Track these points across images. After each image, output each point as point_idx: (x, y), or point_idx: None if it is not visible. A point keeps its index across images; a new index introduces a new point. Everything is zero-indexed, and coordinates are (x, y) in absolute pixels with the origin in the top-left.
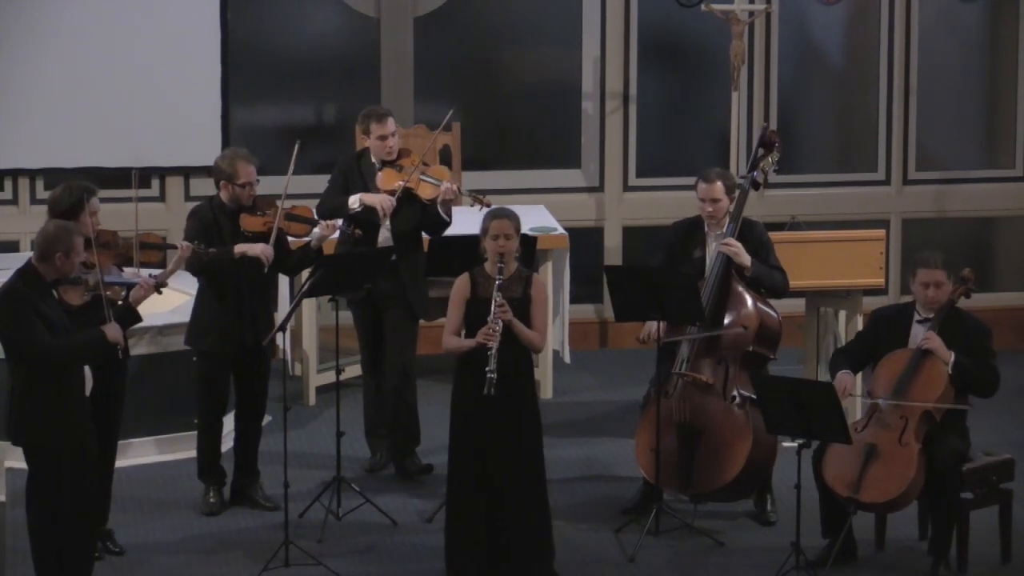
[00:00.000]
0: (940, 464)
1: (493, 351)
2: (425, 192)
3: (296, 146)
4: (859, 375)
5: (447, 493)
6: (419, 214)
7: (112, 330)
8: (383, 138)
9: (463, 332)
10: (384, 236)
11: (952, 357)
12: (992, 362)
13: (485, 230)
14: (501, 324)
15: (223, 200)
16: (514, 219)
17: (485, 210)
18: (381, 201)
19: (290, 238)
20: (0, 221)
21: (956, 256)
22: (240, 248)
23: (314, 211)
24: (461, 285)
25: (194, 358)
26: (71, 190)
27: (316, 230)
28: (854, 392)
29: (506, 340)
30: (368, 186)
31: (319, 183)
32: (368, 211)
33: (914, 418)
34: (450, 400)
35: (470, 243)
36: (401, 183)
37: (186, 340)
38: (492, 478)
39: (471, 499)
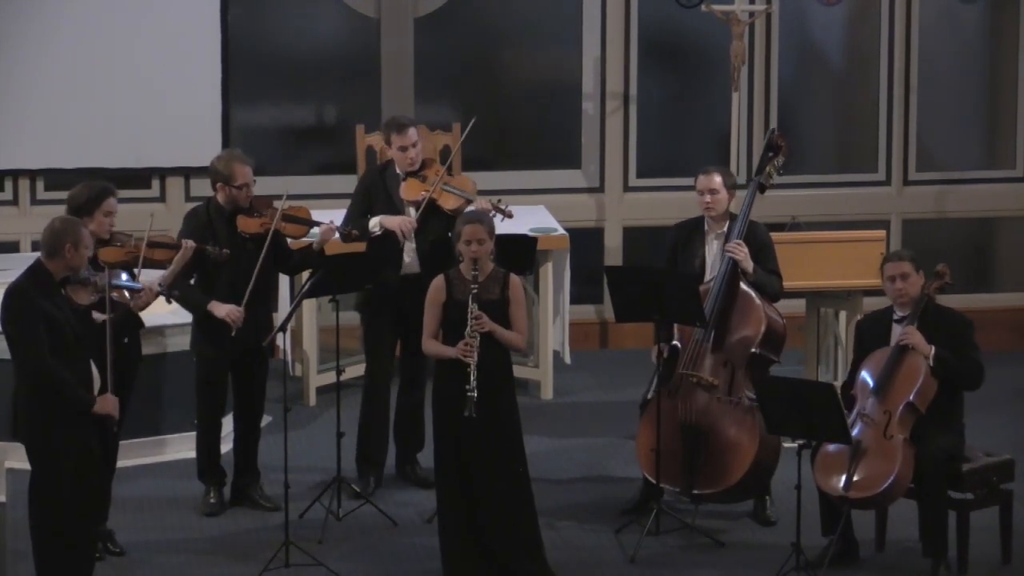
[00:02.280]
0: (926, 462)
1: (472, 368)
2: (448, 203)
3: (284, 199)
4: None
5: (436, 494)
6: (443, 226)
7: (105, 404)
8: (403, 149)
9: (440, 334)
10: (409, 254)
11: (932, 351)
12: (975, 355)
13: (458, 234)
14: (479, 337)
15: (220, 202)
16: (487, 223)
17: (505, 220)
18: (401, 225)
19: (289, 240)
20: (0, 221)
21: (956, 257)
22: (211, 306)
23: (312, 213)
24: (436, 288)
25: (194, 358)
26: (89, 188)
27: (315, 230)
28: None
29: (483, 341)
30: (392, 198)
31: (319, 184)
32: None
33: (897, 411)
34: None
35: None
36: (424, 193)
37: (191, 346)
38: (473, 478)
39: (457, 500)
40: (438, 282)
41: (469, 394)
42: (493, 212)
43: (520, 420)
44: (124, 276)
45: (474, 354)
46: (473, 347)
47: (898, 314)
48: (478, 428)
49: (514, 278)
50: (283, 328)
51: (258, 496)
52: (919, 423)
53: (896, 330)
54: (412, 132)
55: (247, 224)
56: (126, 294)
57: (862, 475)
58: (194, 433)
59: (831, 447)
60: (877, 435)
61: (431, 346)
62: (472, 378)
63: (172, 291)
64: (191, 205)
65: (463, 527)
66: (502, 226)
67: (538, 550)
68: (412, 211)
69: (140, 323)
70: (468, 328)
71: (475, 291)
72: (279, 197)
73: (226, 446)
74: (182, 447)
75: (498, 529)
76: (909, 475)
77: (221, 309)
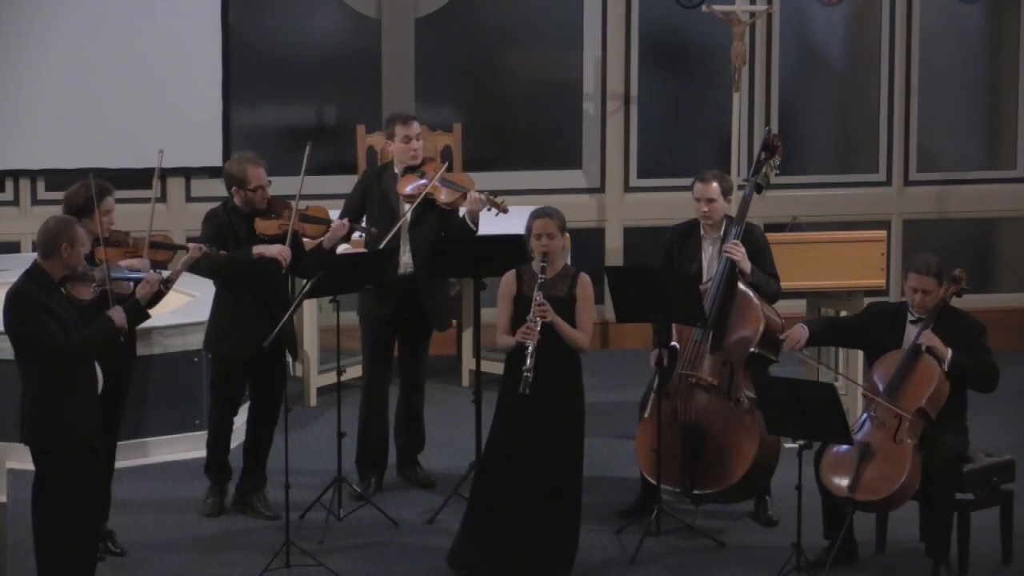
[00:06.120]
0: (934, 463)
1: (530, 350)
2: (442, 197)
3: (308, 147)
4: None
5: (473, 486)
6: (438, 223)
7: (117, 314)
8: (407, 140)
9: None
10: (405, 254)
11: (949, 354)
12: (990, 357)
13: (529, 229)
14: (540, 322)
15: (237, 204)
16: (556, 217)
17: (500, 214)
18: (279, 253)
19: (305, 239)
20: (0, 222)
21: (957, 257)
22: (258, 250)
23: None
24: (507, 283)
25: (209, 355)
26: (86, 188)
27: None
28: (801, 346)
29: (551, 340)
30: (387, 198)
31: (320, 184)
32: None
33: (908, 416)
34: (493, 396)
35: (472, 244)
36: (424, 182)
37: (204, 344)
38: (526, 474)
39: (500, 494)
40: (509, 277)
41: (525, 374)
42: (488, 207)
43: (583, 426)
44: (124, 267)
45: (533, 337)
46: (533, 331)
47: (914, 315)
48: (535, 422)
49: (584, 277)
50: (283, 328)
51: (260, 505)
52: (928, 426)
53: (911, 331)
54: (416, 124)
55: (265, 226)
56: (128, 285)
57: (869, 478)
58: (196, 433)
59: (839, 447)
60: (886, 438)
61: (501, 340)
62: (529, 360)
63: (171, 284)
64: (192, 205)
65: (497, 522)
66: (503, 225)
67: (570, 554)
68: (407, 207)
69: (146, 315)
70: (531, 313)
71: (542, 280)
72: (293, 198)
73: (236, 440)
74: (183, 447)
75: (540, 527)
76: (917, 480)
77: (271, 249)
